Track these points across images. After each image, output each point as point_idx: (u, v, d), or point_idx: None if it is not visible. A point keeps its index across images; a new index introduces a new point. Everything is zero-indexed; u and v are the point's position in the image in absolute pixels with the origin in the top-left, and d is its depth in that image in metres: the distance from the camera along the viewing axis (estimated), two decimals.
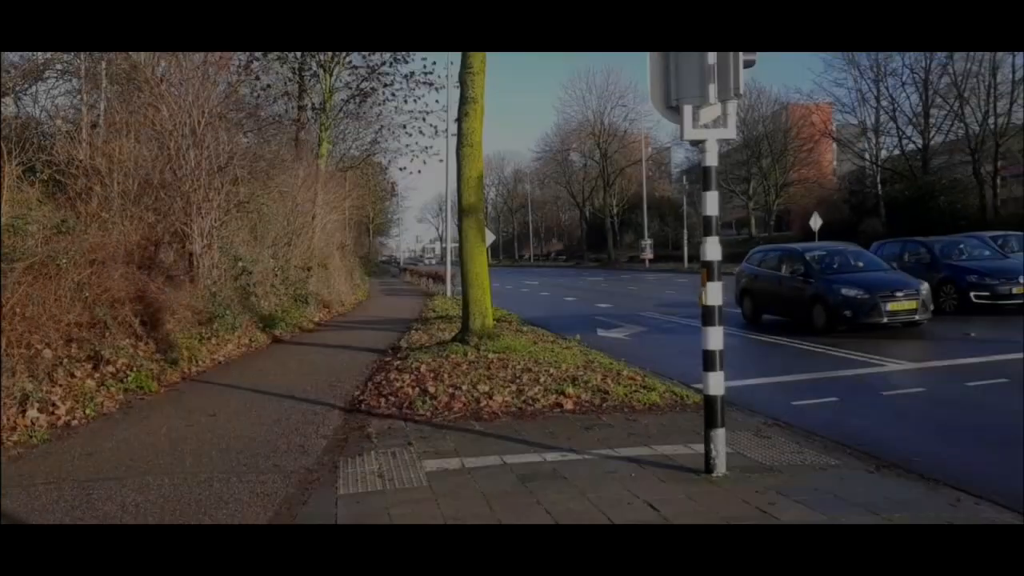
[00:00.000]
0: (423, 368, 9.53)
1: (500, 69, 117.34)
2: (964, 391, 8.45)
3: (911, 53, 39.74)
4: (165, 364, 9.98)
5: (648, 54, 5.35)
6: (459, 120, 11.31)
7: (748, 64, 5.15)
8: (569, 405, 7.71)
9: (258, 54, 20.84)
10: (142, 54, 12.70)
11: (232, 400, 8.79)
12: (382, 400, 8.30)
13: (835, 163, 63.67)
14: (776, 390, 8.96)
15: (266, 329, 14.38)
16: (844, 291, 13.38)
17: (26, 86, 13.04)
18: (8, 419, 7.01)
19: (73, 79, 13.32)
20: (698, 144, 5.39)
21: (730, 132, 5.30)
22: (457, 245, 12.24)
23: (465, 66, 11.09)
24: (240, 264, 14.49)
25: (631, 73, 79.63)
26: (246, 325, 13.52)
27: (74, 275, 8.93)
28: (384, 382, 9.22)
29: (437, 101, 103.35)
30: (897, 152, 45.31)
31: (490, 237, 20.65)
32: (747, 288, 16.20)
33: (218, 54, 13.54)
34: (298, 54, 23.47)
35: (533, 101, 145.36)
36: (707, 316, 5.33)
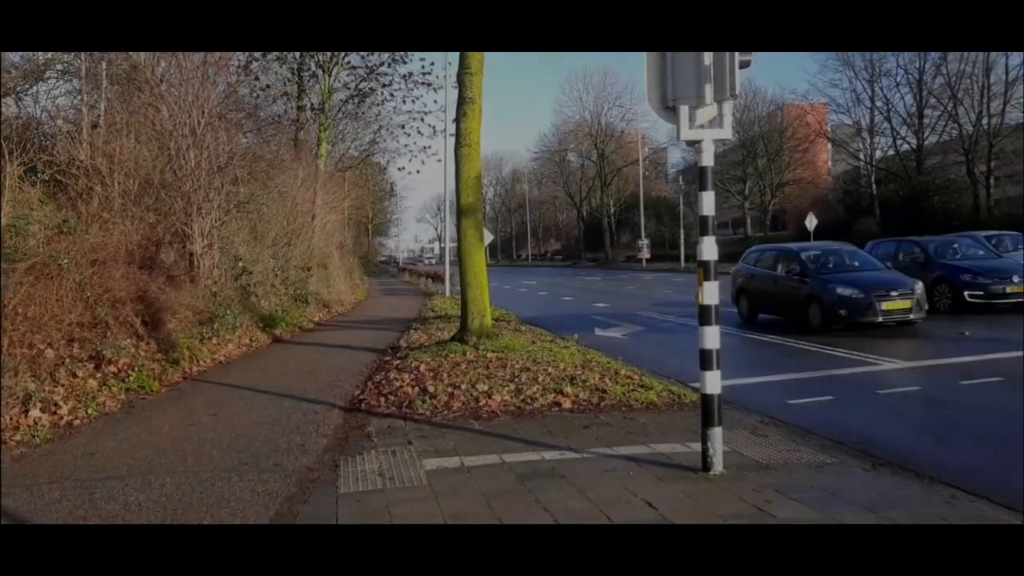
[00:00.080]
0: (422, 367, 9.58)
1: (498, 69, 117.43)
2: (959, 390, 8.51)
3: (905, 54, 39.92)
4: (166, 364, 10.03)
5: (645, 54, 5.40)
6: (457, 120, 11.36)
7: (744, 65, 5.21)
8: (567, 404, 7.76)
9: (257, 54, 20.85)
10: (142, 55, 12.73)
11: (233, 399, 8.83)
12: (382, 399, 8.35)
13: (830, 163, 63.82)
14: (772, 389, 9.02)
15: (266, 329, 14.42)
16: (839, 290, 13.46)
17: (27, 86, 13.08)
18: (11, 419, 7.05)
19: (73, 79, 13.36)
20: (694, 144, 5.43)
21: (726, 132, 5.35)
22: (456, 245, 12.30)
23: (463, 66, 11.14)
24: (240, 264, 14.52)
25: (628, 74, 79.58)
26: (247, 325, 13.56)
27: (75, 275, 8.97)
28: (384, 381, 9.27)
29: (435, 101, 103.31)
30: (891, 152, 45.43)
31: (488, 237, 20.72)
32: (743, 287, 16.27)
33: (217, 54, 13.57)
34: (297, 55, 23.49)
35: (531, 101, 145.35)
36: (704, 315, 5.39)
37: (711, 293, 5.35)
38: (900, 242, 19.08)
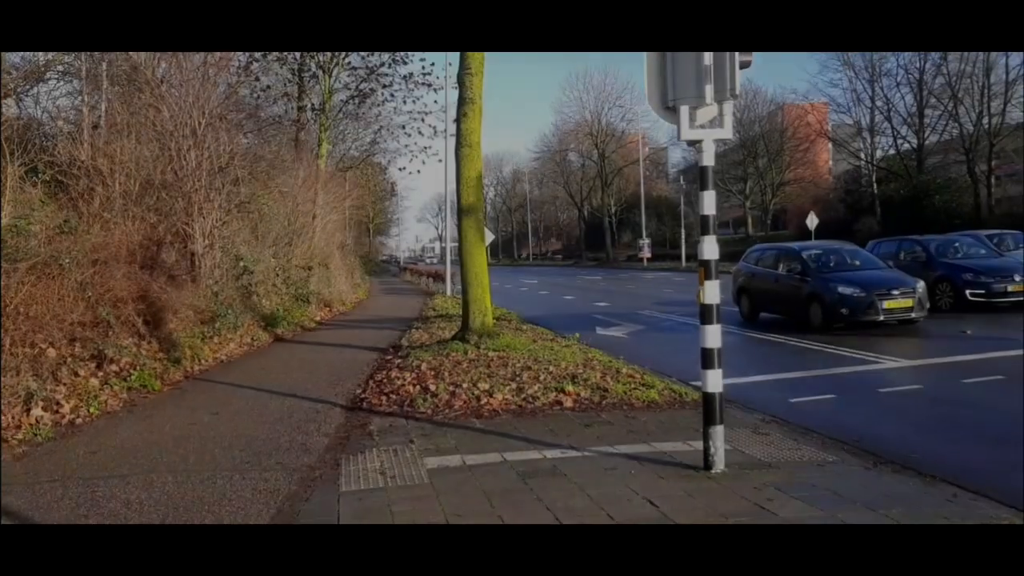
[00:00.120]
0: (424, 366, 9.59)
1: (498, 70, 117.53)
2: (960, 388, 8.51)
3: (905, 54, 39.91)
4: (168, 363, 10.04)
5: (645, 55, 5.40)
6: (458, 121, 11.37)
7: (744, 65, 5.22)
8: (569, 403, 7.76)
9: (258, 55, 20.89)
10: (143, 55, 12.74)
11: (235, 398, 8.85)
12: (383, 398, 8.36)
13: (831, 163, 63.80)
14: (774, 387, 9.03)
15: (268, 328, 14.44)
16: (841, 289, 13.46)
17: (28, 87, 13.09)
18: (13, 417, 7.06)
19: (74, 80, 13.37)
20: (695, 144, 5.44)
21: (726, 132, 5.36)
22: (457, 244, 12.31)
23: (463, 67, 11.15)
24: (242, 264, 14.54)
25: (628, 74, 79.62)
26: (248, 324, 13.58)
27: (77, 275, 8.99)
28: (385, 380, 9.28)
29: (436, 102, 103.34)
30: (892, 152, 45.38)
31: (489, 236, 20.73)
32: (744, 286, 16.28)
33: (218, 55, 13.58)
34: (297, 55, 23.54)
35: (531, 101, 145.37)
36: (705, 314, 5.39)
37: (712, 292, 5.36)
38: (901, 241, 19.08)
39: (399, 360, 10.68)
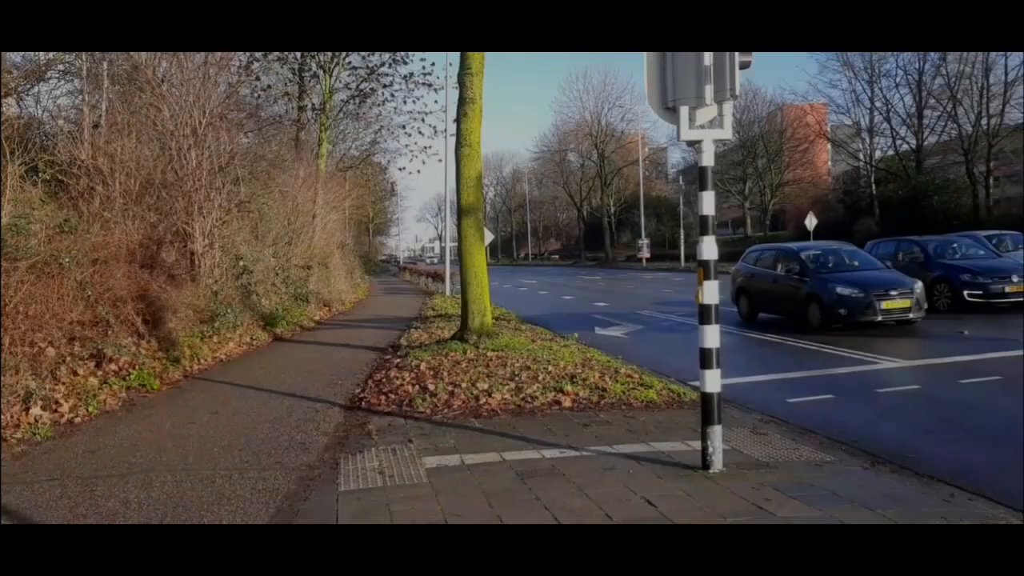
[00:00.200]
0: (423, 366, 9.60)
1: (498, 70, 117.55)
2: (958, 389, 8.53)
3: (905, 55, 39.98)
4: (167, 362, 10.05)
5: (645, 55, 5.41)
6: (458, 121, 11.38)
7: (744, 65, 5.23)
8: (567, 402, 7.78)
9: (258, 55, 20.91)
10: (143, 55, 12.75)
11: (234, 398, 8.85)
12: (382, 398, 8.37)
13: (830, 163, 63.89)
14: (772, 387, 9.04)
15: (267, 327, 14.45)
16: (839, 290, 13.49)
17: (28, 86, 13.10)
18: (12, 416, 7.07)
19: (75, 80, 13.39)
20: (695, 145, 5.45)
21: (726, 133, 5.37)
22: (456, 244, 12.32)
23: (464, 67, 11.15)
24: (241, 263, 14.54)
25: (628, 74, 79.74)
26: (247, 324, 13.59)
27: (77, 274, 8.99)
28: (384, 380, 9.29)
29: (436, 102, 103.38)
30: (891, 152, 45.49)
31: (489, 236, 20.75)
32: (743, 287, 16.30)
33: (218, 55, 13.59)
34: (298, 55, 23.57)
35: (531, 102, 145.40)
36: (704, 314, 5.40)
37: (711, 292, 5.37)
38: (900, 242, 19.11)
39: (398, 360, 10.69)
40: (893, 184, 42.89)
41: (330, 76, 25.07)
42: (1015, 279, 15.34)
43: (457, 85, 11.50)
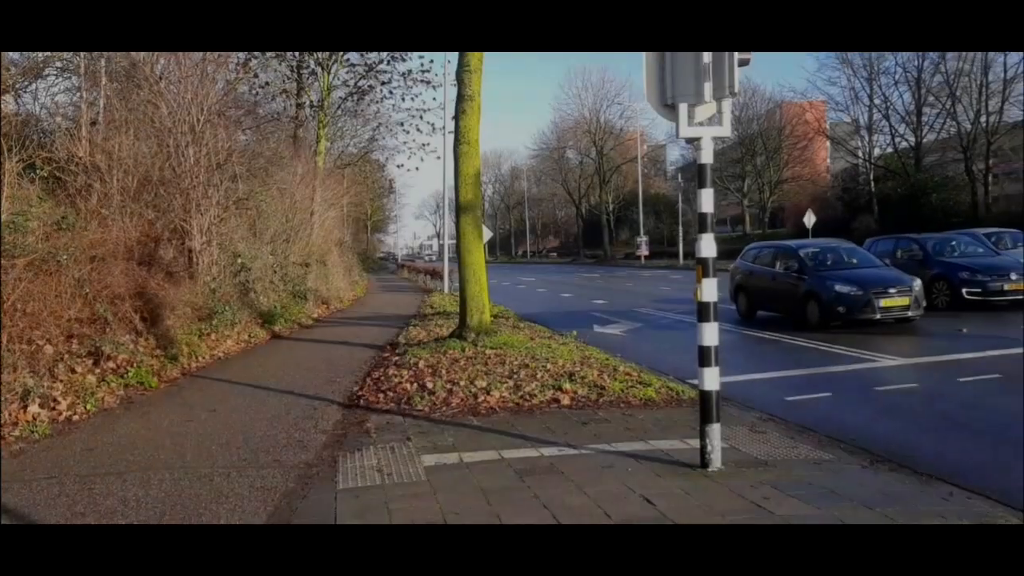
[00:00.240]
0: (421, 364, 9.60)
1: (497, 67, 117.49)
2: (956, 387, 8.53)
3: (904, 52, 39.93)
4: (165, 360, 10.03)
5: (644, 53, 5.41)
6: (456, 118, 11.37)
7: (743, 63, 5.22)
8: (566, 400, 7.77)
9: (256, 52, 20.88)
10: (141, 52, 12.72)
11: (232, 396, 8.85)
12: (380, 396, 8.36)
13: (829, 161, 63.86)
14: (770, 385, 9.04)
15: (265, 325, 14.44)
16: (838, 287, 13.49)
17: (26, 83, 13.05)
18: (9, 414, 7.05)
19: (73, 76, 13.34)
20: (693, 142, 5.46)
21: (725, 130, 5.37)
22: (455, 242, 12.31)
23: (462, 64, 11.14)
24: (239, 261, 14.53)
25: (627, 71, 79.64)
26: (245, 321, 13.59)
27: (74, 271, 8.97)
28: (382, 378, 9.28)
29: (434, 99, 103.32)
30: (890, 150, 45.48)
31: (487, 234, 20.75)
32: (742, 284, 16.30)
33: (217, 52, 13.56)
34: (296, 52, 23.54)
35: (530, 99, 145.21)
36: (702, 312, 5.40)
37: (710, 290, 5.37)
38: (898, 239, 19.12)
39: (396, 358, 10.69)
40: (892, 182, 42.92)
41: (328, 73, 25.04)
42: (1014, 277, 15.36)
43: (455, 82, 11.49)
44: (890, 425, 7.09)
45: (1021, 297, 15.11)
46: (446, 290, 26.00)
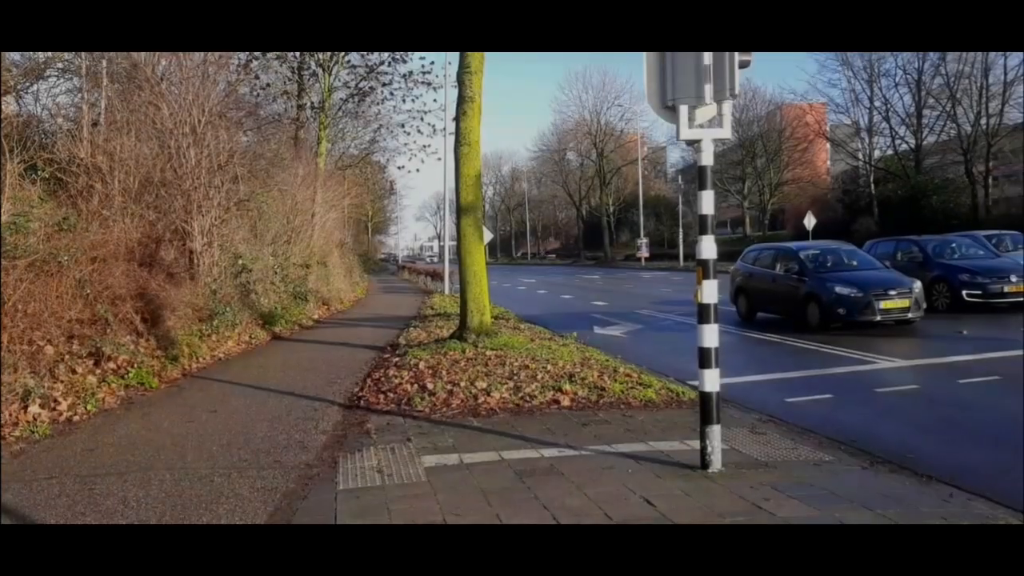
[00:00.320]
0: (422, 365, 9.60)
1: (498, 68, 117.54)
2: (956, 389, 8.53)
3: (904, 54, 39.97)
4: (166, 361, 10.04)
5: (645, 54, 5.41)
6: (457, 119, 11.37)
7: (743, 64, 5.23)
8: (566, 402, 7.78)
9: (257, 53, 20.90)
10: (142, 53, 12.74)
11: (232, 396, 8.85)
12: (381, 396, 8.37)
13: (829, 163, 63.93)
14: (771, 387, 9.04)
15: (266, 326, 14.45)
16: (838, 289, 13.50)
17: (27, 84, 13.08)
18: (10, 414, 7.06)
19: (74, 78, 13.37)
20: (694, 144, 5.45)
21: (725, 132, 5.37)
22: (455, 243, 12.32)
23: (463, 66, 11.14)
24: (240, 262, 14.54)
25: (627, 73, 79.65)
26: (246, 322, 13.59)
27: (75, 272, 8.99)
28: (383, 379, 9.29)
29: (435, 100, 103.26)
30: (890, 152, 45.50)
31: (488, 235, 20.73)
32: (742, 286, 16.31)
33: (218, 53, 13.58)
34: (297, 53, 23.57)
35: (530, 100, 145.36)
36: (703, 314, 5.40)
37: (710, 292, 5.37)
38: (899, 241, 19.13)
39: (397, 359, 10.69)
40: (892, 184, 42.92)
41: (329, 74, 25.07)
42: (1013, 279, 15.35)
43: (456, 84, 11.50)
44: (890, 427, 7.09)
45: (1021, 299, 15.11)
46: (447, 291, 26.00)
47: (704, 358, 5.38)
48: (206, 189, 12.97)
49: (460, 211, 11.45)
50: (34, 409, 7.27)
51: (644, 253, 56.98)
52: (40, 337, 8.17)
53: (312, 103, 25.65)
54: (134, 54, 12.80)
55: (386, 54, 24.93)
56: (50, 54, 12.49)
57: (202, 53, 13.08)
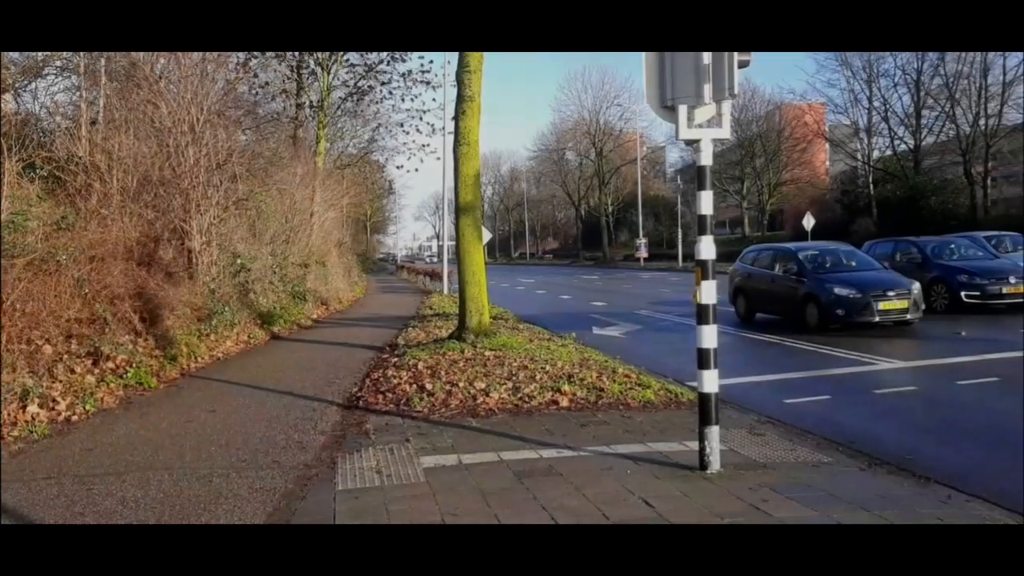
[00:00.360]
0: (420, 365, 9.59)
1: (497, 68, 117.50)
2: (955, 390, 8.54)
3: (903, 54, 39.99)
4: (164, 360, 10.03)
5: (644, 54, 5.41)
6: (456, 119, 11.36)
7: (742, 64, 5.23)
8: (565, 402, 7.77)
9: (256, 52, 20.89)
10: (141, 52, 12.72)
11: (231, 396, 8.84)
12: (380, 397, 8.36)
13: (828, 163, 63.96)
14: (769, 388, 9.04)
15: (264, 326, 14.44)
16: (837, 290, 13.51)
17: (26, 83, 13.06)
18: (9, 414, 7.05)
19: (72, 76, 13.34)
20: (693, 144, 5.45)
21: (724, 132, 5.38)
22: (454, 243, 12.31)
23: (462, 65, 11.13)
24: (239, 261, 14.53)
25: (627, 73, 79.64)
26: (245, 322, 13.58)
27: (74, 271, 8.97)
28: (382, 379, 9.29)
29: (434, 99, 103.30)
30: (889, 152, 45.55)
31: (487, 235, 20.74)
32: (741, 287, 16.32)
33: (216, 52, 13.57)
34: (296, 52, 23.55)
35: (529, 100, 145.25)
36: (701, 314, 5.40)
37: (709, 292, 5.37)
38: (897, 242, 19.14)
39: (395, 359, 10.68)
40: (891, 184, 42.95)
41: (328, 73, 25.06)
42: (1012, 280, 15.37)
43: (455, 83, 11.48)
44: (889, 428, 7.10)
45: (1020, 300, 15.13)
46: (445, 291, 25.99)
47: (703, 359, 5.38)
48: (205, 188, 12.96)
49: (459, 211, 11.44)
50: (32, 409, 7.27)
51: (643, 253, 56.99)
52: (38, 336, 8.16)
53: (311, 102, 25.64)
54: (133, 53, 12.78)
55: (385, 53, 24.91)
56: (49, 52, 12.46)
57: (200, 52, 13.06)
